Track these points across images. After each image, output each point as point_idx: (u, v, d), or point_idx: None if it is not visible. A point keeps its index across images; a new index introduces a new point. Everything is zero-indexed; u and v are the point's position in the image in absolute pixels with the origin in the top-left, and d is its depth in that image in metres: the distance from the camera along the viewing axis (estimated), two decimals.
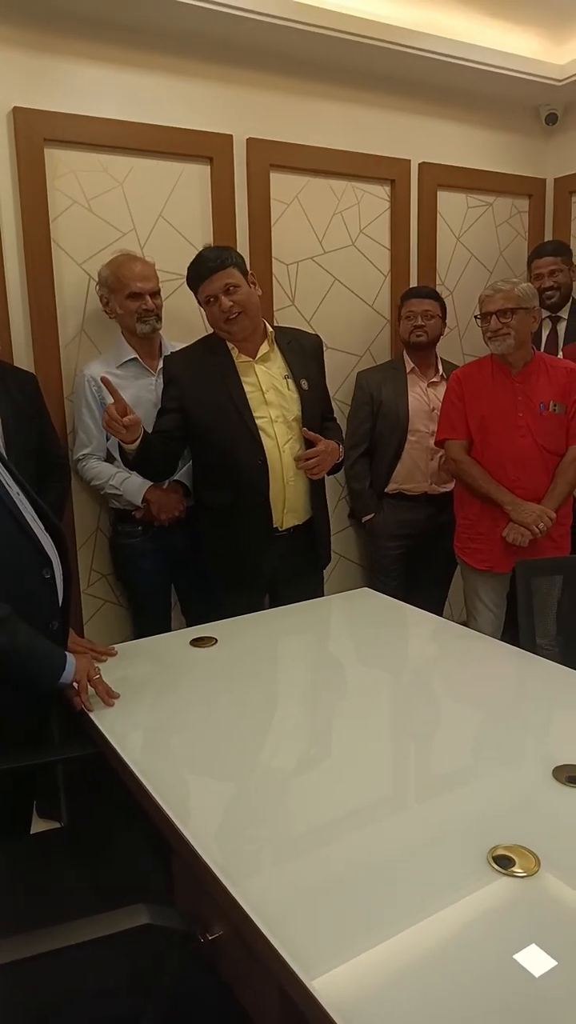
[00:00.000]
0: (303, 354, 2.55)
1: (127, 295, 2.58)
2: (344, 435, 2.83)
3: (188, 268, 2.39)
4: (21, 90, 2.56)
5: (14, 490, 1.66)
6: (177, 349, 2.64)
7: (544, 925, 1.01)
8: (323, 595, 2.65)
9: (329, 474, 2.56)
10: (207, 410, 2.41)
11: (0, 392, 2.36)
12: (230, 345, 2.44)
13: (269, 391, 2.44)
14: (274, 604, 2.58)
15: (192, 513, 2.70)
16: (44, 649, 1.61)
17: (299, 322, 3.20)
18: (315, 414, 2.52)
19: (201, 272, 2.35)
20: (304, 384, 2.48)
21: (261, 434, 2.41)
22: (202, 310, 2.41)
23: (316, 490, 2.57)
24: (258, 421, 2.41)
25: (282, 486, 2.45)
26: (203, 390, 2.41)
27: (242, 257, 2.41)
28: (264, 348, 2.46)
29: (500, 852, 1.13)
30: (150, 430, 2.65)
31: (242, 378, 2.42)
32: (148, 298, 2.59)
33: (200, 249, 2.41)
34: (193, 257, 2.38)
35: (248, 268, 2.41)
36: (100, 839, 1.67)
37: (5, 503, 1.60)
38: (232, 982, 1.18)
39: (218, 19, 2.66)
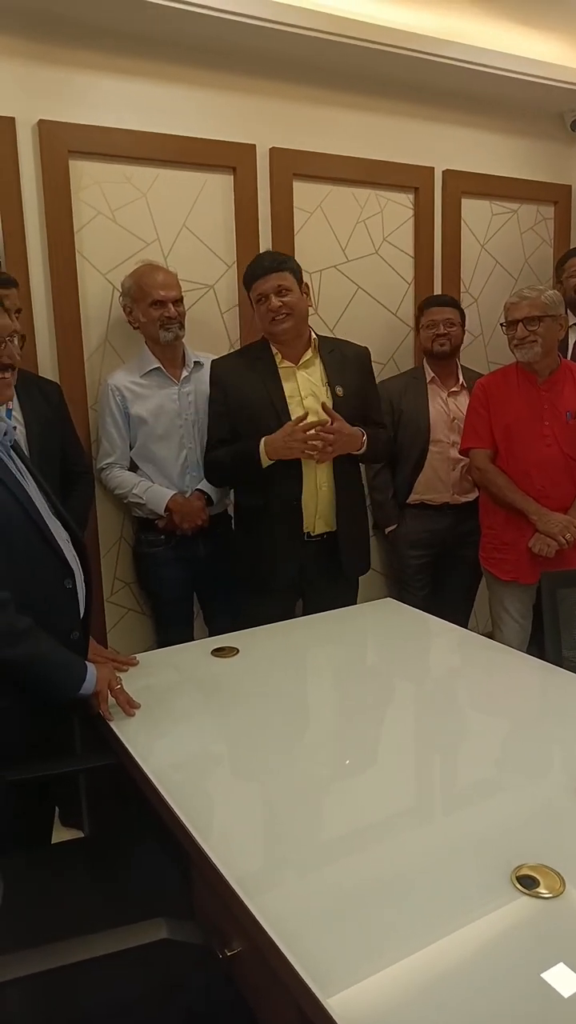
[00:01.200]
0: (344, 362, 2.58)
1: (150, 303, 2.59)
2: None
3: (246, 268, 2.49)
4: (46, 103, 2.59)
5: (39, 499, 1.67)
6: (200, 358, 2.68)
7: (572, 945, 0.99)
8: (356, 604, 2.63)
9: (361, 461, 2.60)
10: (246, 411, 2.47)
11: (25, 402, 2.38)
12: (274, 350, 2.49)
13: (308, 397, 2.48)
14: (305, 611, 2.58)
15: (215, 521, 2.71)
16: (65, 660, 1.62)
17: (321, 330, 3.19)
18: (349, 421, 2.49)
19: (256, 271, 2.45)
20: (339, 391, 2.50)
21: None
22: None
23: (351, 498, 2.58)
24: None
25: (315, 490, 2.48)
26: (244, 392, 2.48)
27: (299, 267, 2.49)
28: (307, 355, 2.51)
29: (524, 872, 1.11)
30: (173, 439, 2.68)
31: (283, 382, 2.47)
32: (171, 306, 2.60)
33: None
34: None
35: (303, 279, 2.49)
36: (121, 850, 1.67)
37: (30, 514, 1.60)
38: (250, 998, 1.17)
39: (241, 30, 2.67)
